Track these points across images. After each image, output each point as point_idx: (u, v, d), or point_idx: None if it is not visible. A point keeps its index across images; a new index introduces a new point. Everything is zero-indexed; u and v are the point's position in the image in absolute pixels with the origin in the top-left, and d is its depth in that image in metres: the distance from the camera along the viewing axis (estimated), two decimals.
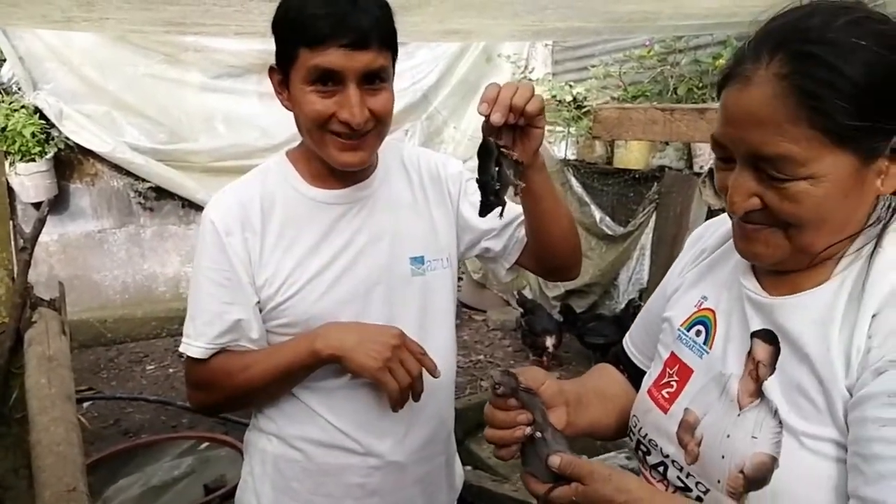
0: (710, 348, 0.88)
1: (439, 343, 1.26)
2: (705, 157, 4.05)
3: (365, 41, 1.05)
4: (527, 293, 5.11)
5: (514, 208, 1.24)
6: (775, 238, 0.77)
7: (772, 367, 0.78)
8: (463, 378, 4.27)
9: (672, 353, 0.93)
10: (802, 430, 0.73)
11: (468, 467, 2.86)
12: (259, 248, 1.17)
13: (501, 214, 1.01)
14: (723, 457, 0.79)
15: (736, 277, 0.88)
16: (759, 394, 0.79)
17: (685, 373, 0.90)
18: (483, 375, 4.31)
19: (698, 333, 0.90)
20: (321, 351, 1.11)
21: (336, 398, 1.21)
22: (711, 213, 4.08)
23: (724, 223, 0.97)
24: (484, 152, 0.98)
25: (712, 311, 0.90)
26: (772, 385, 0.78)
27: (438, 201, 1.28)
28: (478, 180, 0.98)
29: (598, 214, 4.75)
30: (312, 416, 1.21)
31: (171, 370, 4.42)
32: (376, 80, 1.10)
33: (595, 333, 4.28)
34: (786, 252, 0.77)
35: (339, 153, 1.12)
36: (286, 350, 1.16)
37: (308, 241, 1.19)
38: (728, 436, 0.80)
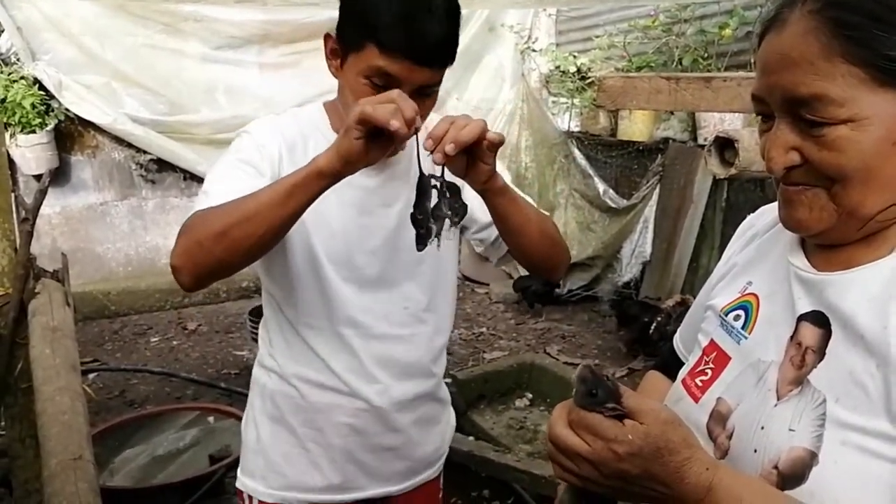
0: (750, 334, 0.79)
1: (441, 307, 1.35)
2: (710, 129, 4.02)
3: (432, 59, 1.10)
4: None
5: None
6: (819, 200, 0.69)
7: (821, 354, 0.69)
8: (465, 350, 4.29)
9: (711, 340, 0.85)
10: (849, 422, 0.65)
11: (471, 437, 2.88)
12: (288, 170, 1.14)
13: (439, 246, 1.06)
14: (755, 451, 0.71)
15: (784, 257, 0.79)
16: (800, 382, 0.70)
17: (722, 360, 0.81)
18: (485, 347, 4.34)
19: (737, 318, 0.81)
20: (318, 160, 1.02)
21: (335, 342, 1.28)
22: (716, 185, 4.06)
23: (777, 207, 0.87)
24: (419, 188, 1.03)
25: (755, 296, 0.81)
26: (819, 373, 0.69)
27: (450, 176, 1.28)
28: (411, 215, 1.04)
29: (601, 187, 4.73)
30: (310, 356, 1.29)
31: (174, 342, 4.44)
32: (428, 89, 1.15)
33: None
34: (832, 217, 0.69)
35: (405, 145, 1.15)
36: (284, 176, 1.08)
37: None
38: (762, 427, 0.72)
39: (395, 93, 0.98)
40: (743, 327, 0.80)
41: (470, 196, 1.24)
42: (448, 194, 1.04)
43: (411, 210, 1.04)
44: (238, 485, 1.39)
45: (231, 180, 1.14)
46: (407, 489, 1.41)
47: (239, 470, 1.40)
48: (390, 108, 0.95)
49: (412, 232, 1.22)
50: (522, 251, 1.27)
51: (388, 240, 1.27)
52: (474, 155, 1.04)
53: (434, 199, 1.03)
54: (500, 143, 1.04)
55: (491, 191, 1.12)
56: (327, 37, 1.18)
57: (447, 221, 1.04)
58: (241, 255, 1.06)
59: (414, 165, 1.16)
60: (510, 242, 1.26)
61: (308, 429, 1.32)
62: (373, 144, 0.98)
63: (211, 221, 1.06)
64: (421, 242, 1.04)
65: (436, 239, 1.04)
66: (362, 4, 1.11)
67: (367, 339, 1.29)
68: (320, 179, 1.01)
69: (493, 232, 1.31)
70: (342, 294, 1.26)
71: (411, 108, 0.96)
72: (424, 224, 1.03)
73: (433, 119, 1.28)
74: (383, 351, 1.30)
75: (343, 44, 1.15)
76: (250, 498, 1.37)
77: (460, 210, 1.05)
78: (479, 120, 1.02)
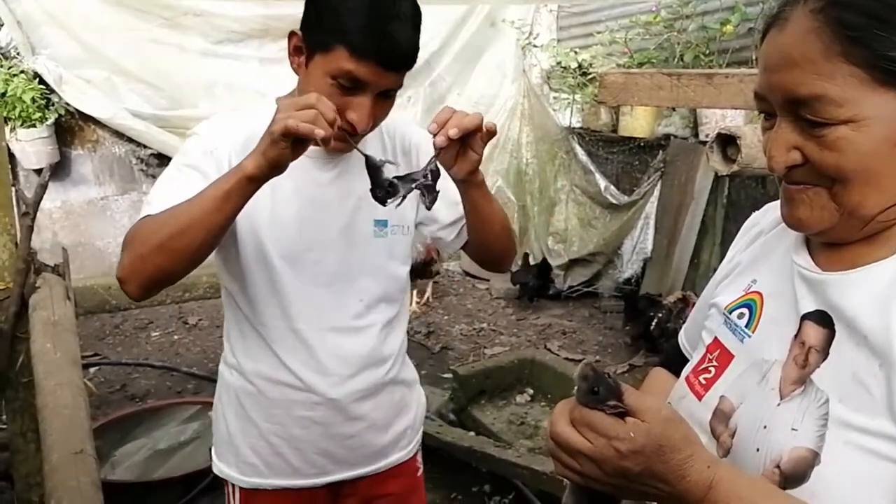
0: (753, 332, 0.79)
1: (395, 297, 1.40)
2: (711, 125, 4.02)
3: (400, 64, 1.15)
4: (530, 261, 5.10)
5: (458, 210, 1.37)
6: (820, 199, 0.69)
7: (824, 353, 0.69)
8: (466, 346, 4.30)
9: (715, 338, 0.85)
10: (852, 422, 0.65)
11: (471, 433, 2.89)
12: None
13: (398, 205, 1.14)
14: (758, 450, 0.71)
15: (788, 255, 0.79)
16: (803, 381, 0.70)
17: (725, 358, 0.81)
18: (486, 343, 4.34)
19: (741, 316, 0.82)
20: (246, 166, 1.05)
21: (289, 338, 1.31)
22: (718, 182, 4.05)
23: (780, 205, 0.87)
24: (369, 168, 1.11)
25: (760, 294, 0.81)
26: (822, 373, 0.69)
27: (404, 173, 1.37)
28: (371, 191, 1.12)
29: (602, 183, 4.73)
30: (265, 352, 1.32)
31: (175, 337, 4.45)
32: (391, 92, 1.20)
33: None
34: (833, 216, 0.69)
35: (332, 141, 1.19)
36: (214, 181, 1.10)
37: (281, 184, 1.21)
38: (765, 427, 0.72)
39: (312, 97, 1.02)
40: (747, 325, 0.80)
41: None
42: (432, 178, 1.13)
43: (370, 190, 1.11)
44: (215, 470, 1.44)
45: (174, 189, 1.16)
46: (378, 470, 1.45)
47: (215, 456, 1.45)
48: (311, 115, 0.99)
49: (366, 225, 1.33)
50: (485, 241, 1.38)
51: (343, 233, 1.30)
52: (467, 144, 1.13)
53: (387, 173, 1.11)
54: (495, 132, 1.15)
55: (473, 182, 1.21)
56: (292, 34, 1.20)
57: (424, 198, 1.14)
58: (183, 263, 1.11)
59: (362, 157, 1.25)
60: (477, 232, 1.35)
61: (270, 423, 1.36)
62: (297, 146, 1.03)
63: (150, 234, 1.10)
64: (381, 201, 1.12)
65: (400, 199, 1.12)
66: (333, 7, 1.13)
67: (322, 333, 1.32)
68: (251, 184, 1.05)
69: (452, 232, 1.43)
70: (297, 290, 1.29)
71: (330, 110, 1.02)
72: (385, 198, 1.12)
73: (393, 119, 1.33)
74: (338, 343, 1.33)
75: (309, 43, 1.17)
76: (233, 486, 1.42)
77: (433, 197, 1.14)
78: (477, 112, 1.11)
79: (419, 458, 1.56)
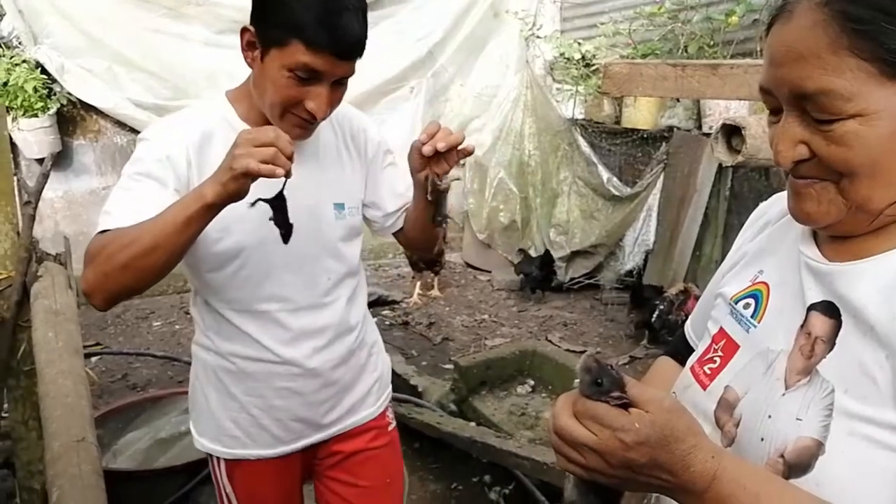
0: (759, 322, 0.79)
1: (356, 269, 1.49)
2: (715, 117, 4.00)
3: (353, 54, 1.21)
4: (531, 253, 5.10)
5: (400, 201, 1.51)
6: (827, 193, 0.69)
7: (831, 344, 0.69)
8: (467, 337, 4.30)
9: (721, 328, 0.85)
10: (857, 412, 0.65)
11: (472, 423, 2.89)
12: (197, 176, 1.24)
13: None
14: (762, 439, 0.71)
15: (795, 247, 0.79)
16: (808, 372, 0.70)
17: (731, 348, 0.81)
18: (487, 334, 4.34)
19: (747, 306, 0.81)
20: (206, 194, 1.08)
21: (262, 319, 1.37)
22: (721, 174, 4.04)
23: (786, 198, 0.86)
24: (275, 204, 1.20)
25: (766, 285, 0.81)
26: (828, 363, 0.69)
27: (355, 157, 1.47)
28: (273, 219, 1.22)
29: (605, 175, 4.72)
30: (240, 334, 1.38)
31: (177, 326, 4.46)
32: (344, 80, 1.26)
33: None
34: (841, 210, 0.69)
35: (291, 129, 1.24)
36: (175, 204, 1.14)
37: None
38: (770, 416, 0.71)
39: (271, 134, 1.06)
40: (752, 316, 0.80)
41: (385, 189, 1.50)
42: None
43: (272, 217, 1.22)
44: (198, 446, 1.49)
45: (132, 200, 1.19)
46: (350, 427, 1.53)
47: (195, 432, 1.49)
48: (270, 153, 1.04)
49: (328, 209, 1.42)
50: (425, 233, 1.49)
51: (309, 218, 1.35)
52: (443, 156, 1.26)
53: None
54: (472, 153, 1.29)
55: (440, 189, 1.34)
56: (244, 30, 1.25)
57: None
58: (147, 280, 1.17)
59: (322, 146, 1.38)
60: (421, 224, 1.47)
61: (250, 396, 1.42)
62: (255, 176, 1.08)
63: (115, 253, 1.13)
64: (287, 238, 1.25)
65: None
66: (284, 2, 1.17)
67: (293, 312, 1.39)
68: (211, 211, 1.10)
69: (391, 219, 1.53)
70: (268, 276, 1.35)
71: (288, 145, 1.07)
72: (287, 225, 1.23)
73: (344, 107, 1.39)
74: (311, 319, 1.40)
75: (263, 38, 1.21)
76: (217, 459, 1.48)
77: None
78: (461, 132, 1.26)
79: (389, 413, 1.64)
